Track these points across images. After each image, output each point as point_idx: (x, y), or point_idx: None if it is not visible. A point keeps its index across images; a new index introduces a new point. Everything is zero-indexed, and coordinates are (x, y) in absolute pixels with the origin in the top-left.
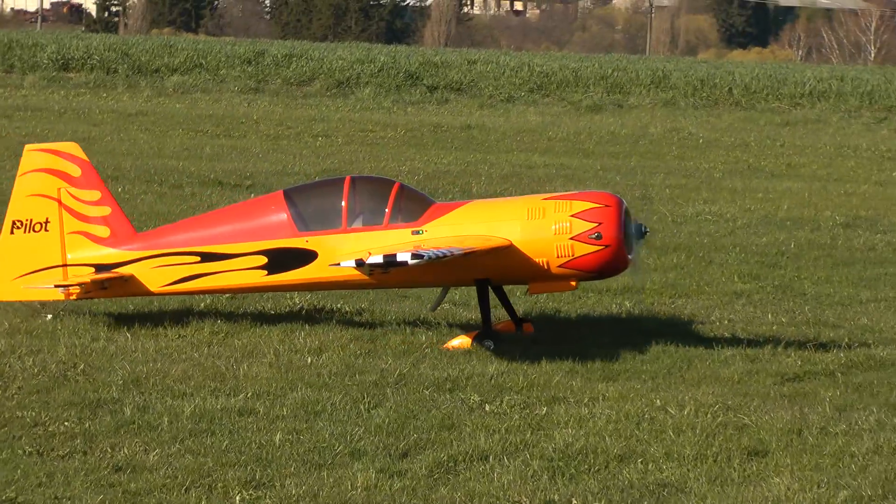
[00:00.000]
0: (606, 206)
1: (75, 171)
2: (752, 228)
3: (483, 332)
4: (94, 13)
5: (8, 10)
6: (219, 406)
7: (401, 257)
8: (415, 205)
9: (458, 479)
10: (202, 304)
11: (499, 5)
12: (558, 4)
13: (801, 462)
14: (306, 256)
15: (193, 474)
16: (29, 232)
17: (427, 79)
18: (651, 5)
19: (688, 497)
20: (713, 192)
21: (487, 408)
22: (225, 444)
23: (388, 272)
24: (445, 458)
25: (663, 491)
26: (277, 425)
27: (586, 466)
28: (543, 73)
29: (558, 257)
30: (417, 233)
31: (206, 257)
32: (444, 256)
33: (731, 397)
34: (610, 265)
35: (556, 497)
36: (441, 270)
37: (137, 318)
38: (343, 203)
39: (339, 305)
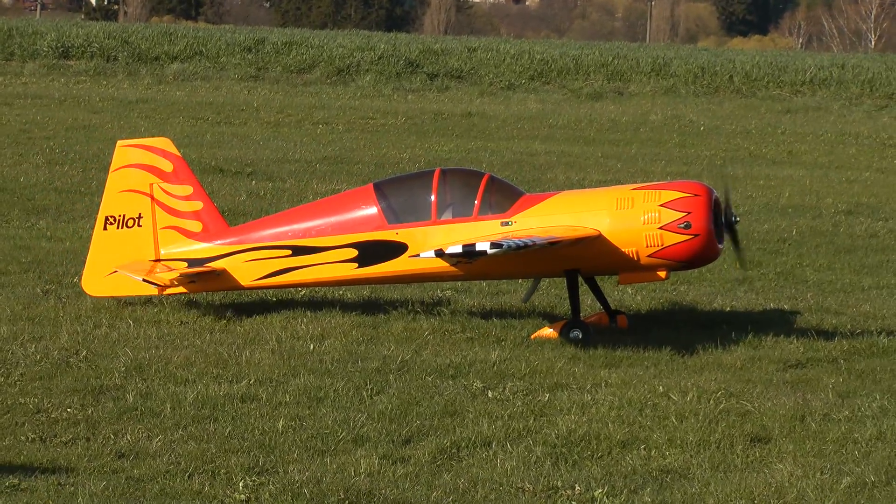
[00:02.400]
0: (696, 195)
1: (167, 166)
2: (754, 216)
3: (571, 323)
4: (93, 1)
5: None
6: (221, 392)
7: (480, 247)
8: (504, 196)
9: (461, 466)
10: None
11: None
12: None
13: (804, 448)
14: (397, 248)
15: (196, 460)
16: (122, 228)
17: (427, 66)
18: None
19: (691, 483)
20: (714, 180)
21: (490, 394)
22: (228, 430)
23: (472, 262)
24: (448, 444)
25: (666, 477)
26: (280, 412)
27: (589, 453)
28: (544, 61)
29: (647, 247)
30: (507, 224)
31: (298, 251)
32: (525, 246)
33: (734, 384)
34: (700, 255)
35: (559, 483)
36: (529, 261)
37: (140, 305)
38: (433, 195)
39: (341, 293)
